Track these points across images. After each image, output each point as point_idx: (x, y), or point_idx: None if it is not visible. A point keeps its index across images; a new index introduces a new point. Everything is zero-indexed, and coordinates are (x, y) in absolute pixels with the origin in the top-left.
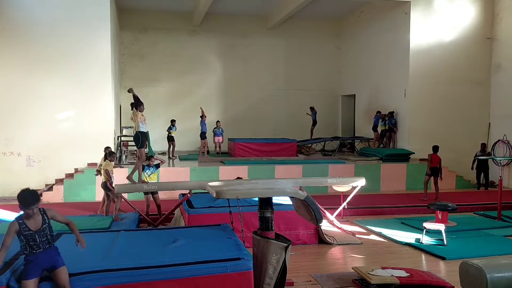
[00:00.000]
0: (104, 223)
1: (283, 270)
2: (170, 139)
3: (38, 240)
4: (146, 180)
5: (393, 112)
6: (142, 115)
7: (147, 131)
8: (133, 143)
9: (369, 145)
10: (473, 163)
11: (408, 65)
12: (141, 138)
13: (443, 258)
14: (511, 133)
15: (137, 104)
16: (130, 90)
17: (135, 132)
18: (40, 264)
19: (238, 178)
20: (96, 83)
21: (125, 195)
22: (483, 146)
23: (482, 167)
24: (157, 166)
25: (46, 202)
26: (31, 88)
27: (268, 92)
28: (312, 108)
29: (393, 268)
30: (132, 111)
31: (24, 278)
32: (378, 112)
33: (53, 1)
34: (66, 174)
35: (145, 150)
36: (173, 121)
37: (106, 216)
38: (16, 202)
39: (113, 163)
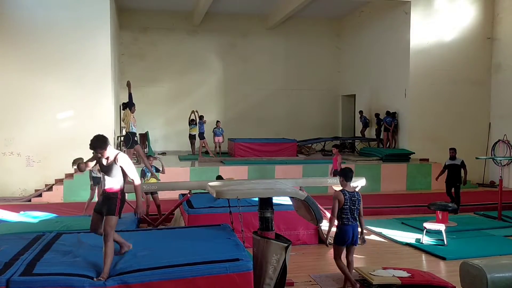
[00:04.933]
0: None
1: (283, 270)
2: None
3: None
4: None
5: (388, 111)
6: (133, 116)
7: (147, 131)
8: None
9: (369, 145)
10: (440, 174)
11: (408, 65)
12: (132, 139)
13: (443, 258)
14: (511, 133)
15: (130, 105)
16: (128, 84)
17: (125, 132)
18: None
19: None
20: (96, 83)
21: None
22: (453, 151)
23: (452, 178)
24: (157, 170)
25: (46, 202)
26: (31, 88)
27: (268, 92)
28: (361, 112)
29: (394, 269)
30: (123, 111)
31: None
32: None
33: (53, 0)
34: (66, 174)
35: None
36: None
37: None
38: (16, 202)
39: None
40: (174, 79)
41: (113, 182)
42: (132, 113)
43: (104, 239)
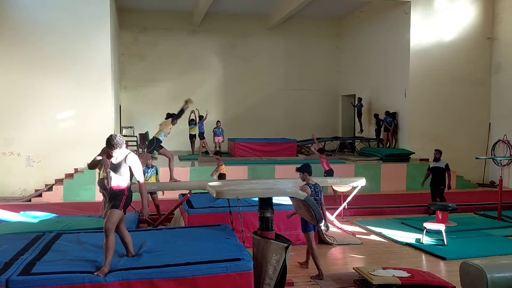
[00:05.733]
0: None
1: (283, 270)
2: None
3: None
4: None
5: (388, 111)
6: (171, 128)
7: (147, 131)
8: (133, 143)
9: (369, 145)
10: (425, 178)
11: (408, 65)
12: (155, 145)
13: (443, 258)
14: (511, 133)
15: (175, 117)
16: (188, 101)
17: (153, 136)
18: None
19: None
20: (96, 83)
21: None
22: (437, 153)
23: (436, 181)
24: (157, 172)
25: (46, 202)
26: (31, 88)
27: (268, 92)
28: (359, 99)
29: (394, 269)
30: (165, 119)
31: None
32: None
33: (53, 1)
34: (66, 174)
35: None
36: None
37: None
38: (16, 202)
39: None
40: (174, 79)
41: (120, 180)
42: (173, 125)
43: (105, 233)
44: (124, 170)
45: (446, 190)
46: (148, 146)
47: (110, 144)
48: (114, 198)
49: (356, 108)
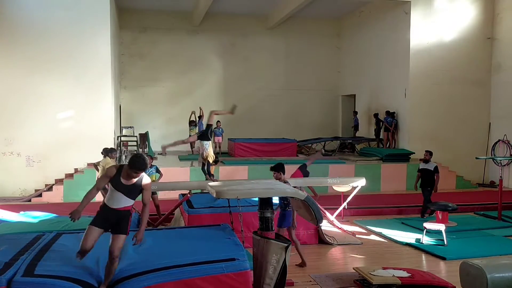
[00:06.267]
0: None
1: (283, 270)
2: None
3: None
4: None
5: (388, 111)
6: (205, 146)
7: (147, 131)
8: (133, 143)
9: (369, 145)
10: (416, 180)
11: (408, 65)
12: (206, 134)
13: (443, 258)
14: (511, 133)
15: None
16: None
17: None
18: None
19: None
20: (96, 83)
21: None
22: (427, 154)
23: (426, 182)
24: (158, 170)
25: (46, 202)
26: (31, 88)
27: (268, 92)
28: (355, 113)
29: (394, 269)
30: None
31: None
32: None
33: (53, 0)
34: (66, 174)
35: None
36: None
37: None
38: (16, 202)
39: (113, 160)
40: (174, 79)
41: (129, 202)
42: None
43: (111, 259)
44: (137, 192)
45: (433, 192)
46: (203, 135)
47: (141, 167)
48: (121, 219)
49: (353, 123)
